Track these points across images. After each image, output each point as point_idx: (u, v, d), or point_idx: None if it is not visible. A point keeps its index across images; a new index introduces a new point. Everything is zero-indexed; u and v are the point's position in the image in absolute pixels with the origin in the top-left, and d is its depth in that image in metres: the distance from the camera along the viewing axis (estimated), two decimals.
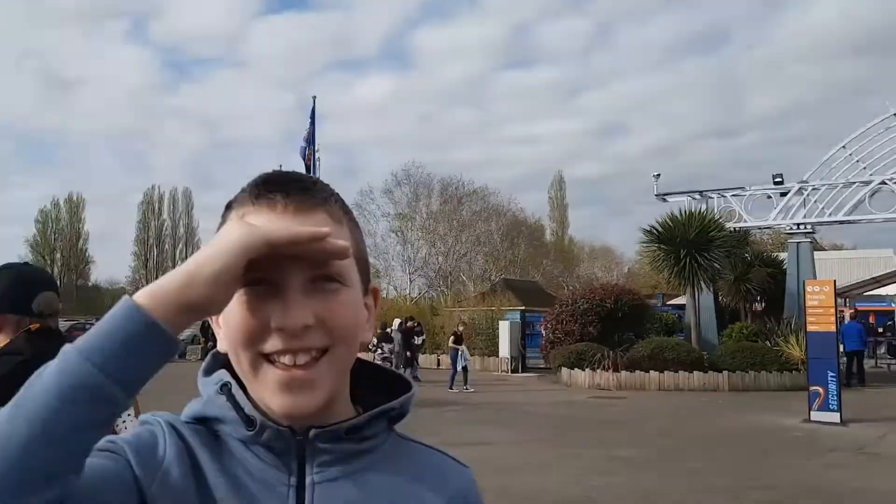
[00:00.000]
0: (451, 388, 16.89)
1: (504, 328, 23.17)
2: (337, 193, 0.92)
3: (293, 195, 0.86)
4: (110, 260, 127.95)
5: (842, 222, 21.35)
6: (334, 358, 0.85)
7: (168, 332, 0.72)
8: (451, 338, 18.44)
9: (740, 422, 12.14)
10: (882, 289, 28.57)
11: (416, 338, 19.93)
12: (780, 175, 21.66)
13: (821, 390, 12.15)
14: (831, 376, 12.12)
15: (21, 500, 0.65)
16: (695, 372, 17.65)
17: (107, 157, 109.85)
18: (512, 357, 22.88)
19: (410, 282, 42.28)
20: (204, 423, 0.91)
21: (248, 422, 0.86)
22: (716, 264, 19.28)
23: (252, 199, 0.87)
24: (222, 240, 0.76)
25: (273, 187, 0.86)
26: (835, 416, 11.88)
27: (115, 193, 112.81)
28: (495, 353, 23.33)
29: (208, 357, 0.95)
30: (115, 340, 0.69)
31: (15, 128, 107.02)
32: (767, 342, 18.58)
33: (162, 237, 77.30)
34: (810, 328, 12.62)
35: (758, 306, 23.63)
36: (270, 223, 0.82)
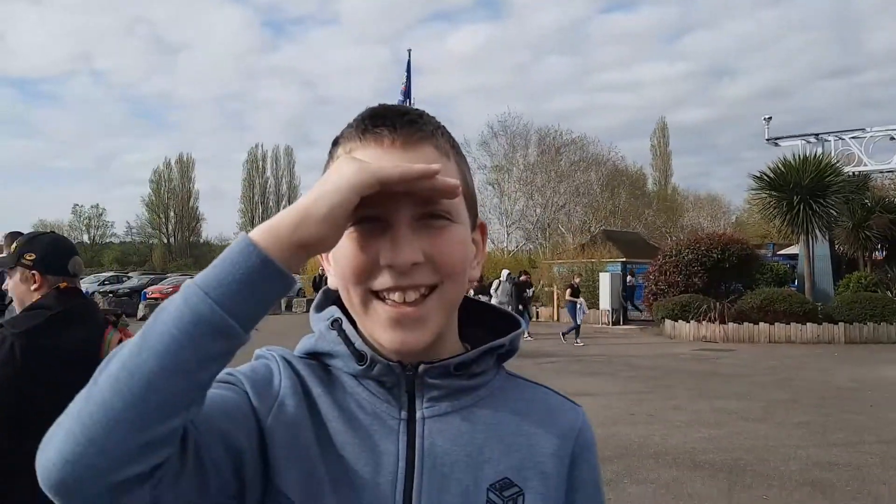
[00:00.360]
0: (577, 342, 16.43)
1: (605, 280, 22.85)
2: (443, 126, 0.91)
3: (400, 129, 0.85)
4: (219, 217, 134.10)
5: None
6: (442, 295, 0.85)
7: (283, 269, 0.72)
8: (568, 290, 17.72)
9: (856, 375, 11.55)
10: None
11: (527, 291, 19.43)
12: None
13: None
14: None
15: (147, 431, 0.67)
16: (808, 324, 16.89)
17: (213, 118, 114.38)
18: (613, 309, 22.58)
19: (507, 235, 42.05)
20: (316, 358, 0.93)
21: (359, 356, 0.87)
22: (832, 211, 18.28)
23: (359, 134, 0.86)
24: (334, 178, 0.75)
25: (380, 122, 0.86)
26: None
27: (222, 153, 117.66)
28: (595, 305, 23.06)
29: (319, 294, 0.97)
30: (233, 277, 0.70)
31: (128, 93, 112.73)
32: (888, 292, 17.53)
33: (266, 194, 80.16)
34: None
35: (878, 255, 22.26)
36: (378, 159, 0.82)
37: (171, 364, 0.67)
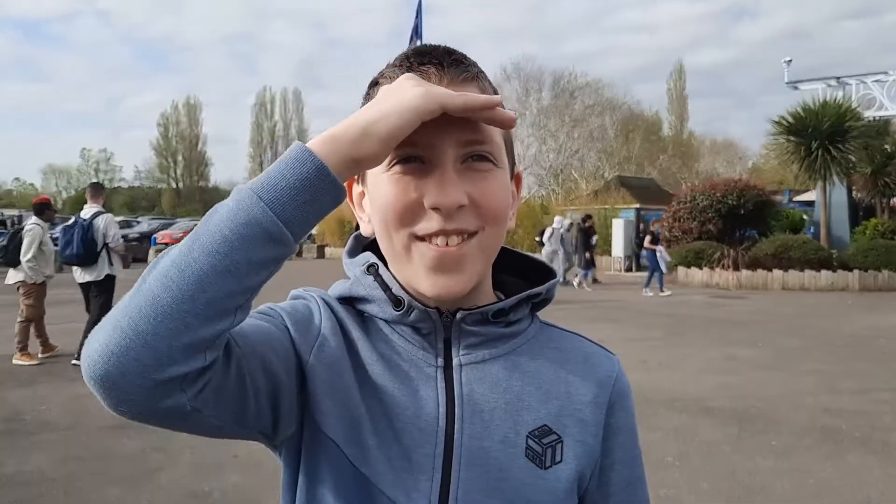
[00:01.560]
0: (661, 292, 15.74)
1: (618, 227, 22.74)
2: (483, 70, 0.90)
3: (448, 68, 0.83)
4: (228, 162, 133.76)
5: None
6: (483, 241, 0.83)
7: (337, 179, 0.71)
8: (648, 237, 16.46)
9: (869, 323, 11.52)
10: None
11: (593, 237, 18.54)
12: None
13: None
14: None
15: (194, 330, 0.67)
16: (822, 271, 16.81)
17: (220, 60, 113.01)
18: (626, 256, 22.53)
19: None
20: (350, 303, 0.92)
21: (396, 301, 0.86)
22: (851, 157, 18.02)
23: (404, 72, 0.82)
24: (397, 98, 0.73)
25: (426, 59, 0.84)
26: None
27: (229, 96, 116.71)
28: (608, 252, 23.00)
29: (350, 240, 0.96)
30: (287, 182, 0.69)
31: (134, 35, 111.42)
32: None
33: (275, 138, 79.70)
34: None
35: None
36: None
37: (222, 264, 0.67)
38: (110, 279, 8.08)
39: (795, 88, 21.88)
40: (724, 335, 10.40)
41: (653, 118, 53.60)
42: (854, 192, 21.12)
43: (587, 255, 17.54)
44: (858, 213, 20.99)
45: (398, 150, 0.78)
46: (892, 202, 21.83)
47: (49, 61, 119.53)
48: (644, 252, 17.23)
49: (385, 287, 0.87)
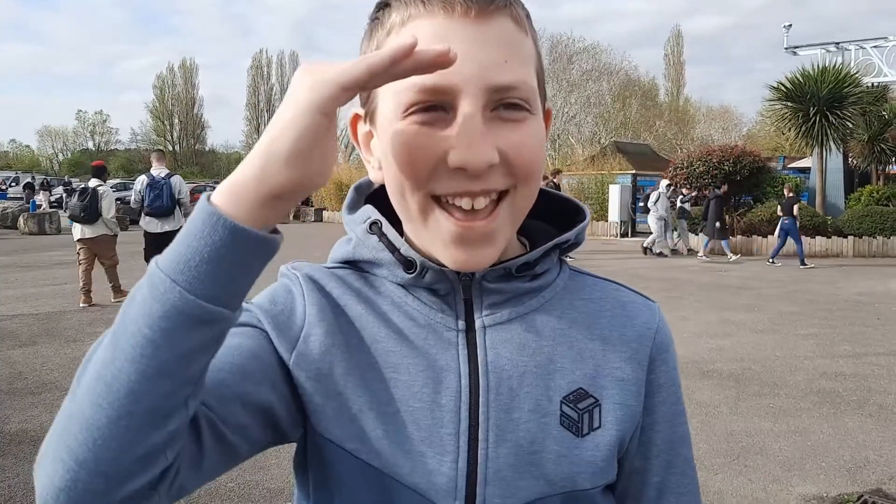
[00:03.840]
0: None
1: (614, 192, 22.71)
2: None
3: None
4: (225, 125, 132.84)
5: None
6: (514, 201, 0.72)
7: (258, 234, 0.58)
8: (796, 206, 15.72)
9: (864, 288, 11.60)
10: None
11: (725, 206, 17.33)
12: None
13: None
14: None
15: (141, 444, 0.58)
16: (817, 237, 16.88)
17: (216, 22, 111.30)
18: (621, 221, 22.55)
19: None
20: (355, 267, 0.82)
21: (407, 263, 0.76)
22: (848, 123, 17.96)
23: None
24: (287, 106, 0.59)
25: None
26: None
27: (226, 59, 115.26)
28: (605, 217, 23.01)
29: (350, 192, 0.85)
30: (200, 256, 0.57)
31: None
32: None
33: (272, 101, 79.12)
34: None
35: (892, 169, 21.99)
36: (445, 30, 0.68)
37: (151, 368, 0.57)
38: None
39: (795, 54, 21.74)
40: (720, 299, 10.46)
41: (649, 84, 53.32)
42: (850, 159, 21.12)
43: (717, 224, 16.17)
44: (854, 180, 21.00)
45: (415, 95, 0.67)
46: (887, 169, 21.85)
47: (45, 23, 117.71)
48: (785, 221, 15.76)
49: (392, 248, 0.77)
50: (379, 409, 0.75)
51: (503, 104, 0.69)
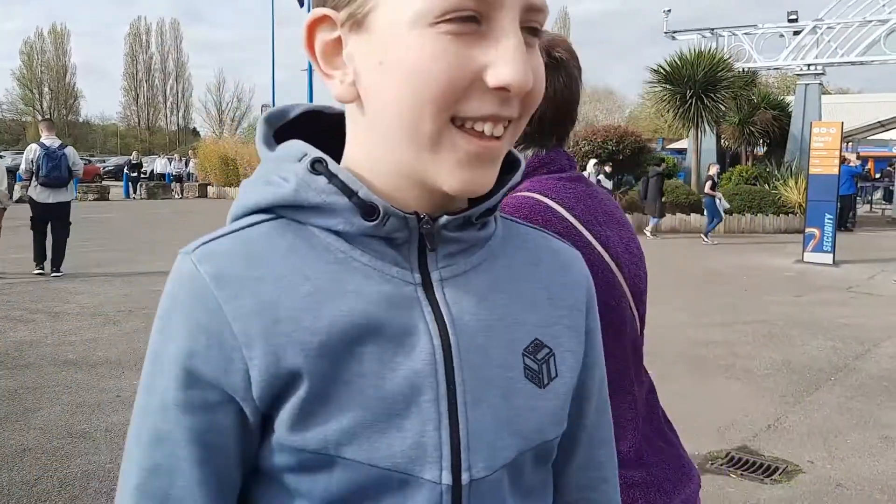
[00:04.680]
0: (705, 239, 15.40)
1: None
2: None
3: None
4: (100, 96, 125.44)
5: (854, 63, 20.68)
6: (514, 133, 0.66)
7: None
8: (708, 183, 15.85)
9: (733, 262, 12.35)
10: (885, 133, 28.25)
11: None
12: (796, 12, 20.74)
13: (816, 232, 12.30)
14: (828, 218, 12.24)
15: None
16: (692, 214, 17.77)
17: None
18: None
19: None
20: (279, 216, 0.69)
21: (368, 209, 0.66)
22: (721, 106, 18.94)
23: None
24: None
25: None
26: (828, 258, 12.10)
27: (101, 26, 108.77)
28: None
29: (261, 125, 0.74)
30: None
31: None
32: (766, 185, 18.58)
33: (151, 71, 75.38)
34: (813, 171, 12.58)
35: (759, 150, 23.45)
36: None
37: None
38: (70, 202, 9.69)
39: (673, 38, 22.64)
40: None
41: None
42: (722, 141, 22.33)
43: (662, 200, 16.43)
44: (726, 160, 22.22)
45: (443, 4, 0.59)
46: (755, 150, 23.27)
47: None
48: (704, 199, 16.35)
49: (349, 192, 0.66)
50: (340, 395, 0.65)
51: (527, 27, 0.63)
